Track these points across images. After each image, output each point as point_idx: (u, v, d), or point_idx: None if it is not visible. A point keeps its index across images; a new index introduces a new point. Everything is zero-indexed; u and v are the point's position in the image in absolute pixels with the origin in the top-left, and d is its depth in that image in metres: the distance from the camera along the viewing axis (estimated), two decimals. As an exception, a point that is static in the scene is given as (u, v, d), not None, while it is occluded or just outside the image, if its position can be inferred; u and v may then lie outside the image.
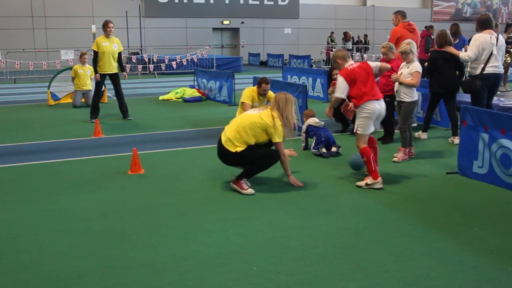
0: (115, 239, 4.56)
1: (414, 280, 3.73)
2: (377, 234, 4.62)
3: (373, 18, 36.77)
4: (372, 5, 36.93)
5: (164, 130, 10.02)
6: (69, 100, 13.87)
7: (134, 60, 24.22)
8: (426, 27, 15.44)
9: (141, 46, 27.61)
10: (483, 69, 7.90)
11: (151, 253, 4.25)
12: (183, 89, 14.92)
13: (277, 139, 5.92)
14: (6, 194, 5.97)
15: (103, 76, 10.82)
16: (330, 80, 9.23)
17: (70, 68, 13.92)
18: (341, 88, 6.12)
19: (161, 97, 14.83)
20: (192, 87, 15.44)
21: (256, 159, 5.89)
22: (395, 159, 7.23)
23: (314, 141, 7.81)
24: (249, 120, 5.92)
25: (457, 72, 8.26)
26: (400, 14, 9.72)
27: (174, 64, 23.10)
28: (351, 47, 29.33)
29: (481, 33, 7.95)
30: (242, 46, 33.78)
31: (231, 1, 32.79)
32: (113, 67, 10.82)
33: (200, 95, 14.53)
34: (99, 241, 4.52)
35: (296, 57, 27.79)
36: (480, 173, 6.26)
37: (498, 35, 8.06)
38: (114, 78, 10.93)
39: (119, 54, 10.95)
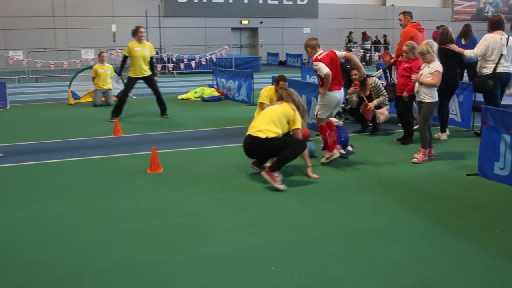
0: (131, 238, 4.58)
1: (431, 282, 3.68)
2: (395, 235, 4.57)
3: (392, 17, 36.44)
4: (392, 5, 36.66)
5: (183, 129, 10.06)
6: (89, 99, 14.00)
7: (153, 60, 24.35)
8: (437, 27, 15.33)
9: (160, 46, 27.74)
10: (494, 68, 8.11)
11: (166, 251, 4.26)
12: (202, 88, 14.96)
13: (298, 125, 6.36)
14: (25, 192, 6.03)
15: (135, 79, 10.98)
16: (349, 81, 9.18)
17: (90, 67, 14.05)
18: (324, 67, 6.76)
19: (180, 97, 14.89)
20: (211, 86, 15.47)
21: (286, 145, 6.17)
22: (414, 160, 7.15)
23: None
24: (275, 112, 6.36)
25: (458, 69, 8.61)
26: (409, 14, 9.81)
27: (193, 63, 23.17)
28: (369, 47, 29.18)
29: (492, 33, 8.18)
30: (261, 46, 33.77)
31: (250, 1, 32.81)
32: (144, 71, 11.01)
33: (219, 94, 14.56)
34: (115, 240, 4.54)
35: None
36: (502, 175, 6.16)
37: (508, 36, 8.22)
38: (148, 79, 11.16)
39: (151, 58, 11.17)
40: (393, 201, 5.52)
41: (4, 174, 6.83)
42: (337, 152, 7.04)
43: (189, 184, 6.25)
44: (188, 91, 15.18)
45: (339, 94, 7.02)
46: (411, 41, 8.42)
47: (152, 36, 28.18)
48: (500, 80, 8.13)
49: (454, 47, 8.37)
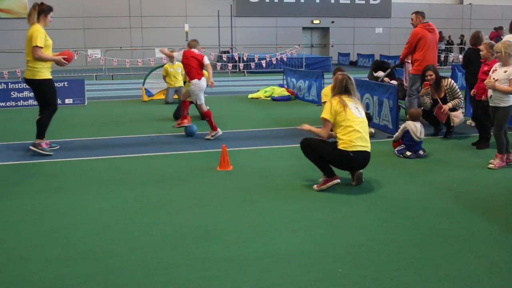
0: (201, 233, 4.65)
1: (508, 294, 3.53)
2: (469, 243, 4.40)
3: (469, 17, 35.26)
4: (469, 4, 35.42)
5: (253, 128, 10.13)
6: (162, 97, 14.38)
7: (224, 59, 24.70)
8: (495, 28, 15.59)
9: (232, 45, 28.08)
10: None
11: (235, 248, 4.30)
12: (272, 88, 15.02)
13: None
14: (101, 184, 6.27)
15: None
16: (422, 81, 8.94)
17: (163, 66, 14.40)
18: (180, 55, 9.18)
19: (250, 95, 15.01)
20: (281, 86, 15.51)
21: None
22: (491, 165, 6.87)
23: (401, 147, 7.54)
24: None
25: None
26: (421, 14, 9.75)
27: (263, 63, 23.30)
28: (444, 48, 28.28)
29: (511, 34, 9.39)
30: (332, 46, 33.51)
31: (322, 0, 32.64)
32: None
33: (289, 94, 14.56)
34: (186, 234, 4.63)
35: (387, 57, 27.18)
36: None
37: None
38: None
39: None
40: (467, 207, 5.32)
41: (82, 167, 7.13)
42: (219, 131, 8.96)
43: (258, 183, 6.28)
44: (258, 90, 15.28)
45: (202, 82, 9.03)
46: (490, 41, 8.12)
47: (223, 36, 28.61)
48: None
49: None
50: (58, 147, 8.23)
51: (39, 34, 7.49)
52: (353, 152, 5.77)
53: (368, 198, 5.68)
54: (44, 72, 7.70)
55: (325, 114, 5.91)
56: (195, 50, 9.24)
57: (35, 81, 7.64)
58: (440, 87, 8.70)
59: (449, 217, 5.03)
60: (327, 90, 8.84)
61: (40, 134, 7.87)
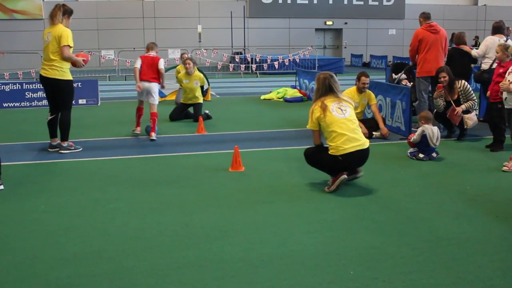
0: (214, 234, 4.67)
1: (522, 298, 3.51)
2: (482, 246, 4.37)
3: (484, 18, 34.97)
4: (484, 5, 35.15)
5: (265, 129, 10.14)
6: (174, 97, 14.40)
7: (237, 60, 24.72)
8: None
9: (244, 46, 28.11)
10: (491, 65, 9.34)
11: (248, 249, 4.31)
12: (284, 89, 15.01)
13: None
14: (114, 184, 6.31)
15: (185, 105, 11.41)
16: (435, 83, 8.90)
17: (175, 67, 14.46)
18: (137, 63, 9.28)
19: (262, 97, 15.02)
20: (294, 87, 15.50)
21: None
22: (505, 168, 6.81)
23: (414, 149, 7.49)
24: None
25: (472, 65, 10.21)
26: (423, 15, 9.61)
27: (276, 64, 23.31)
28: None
29: (492, 36, 9.81)
30: (345, 47, 33.42)
31: (335, 2, 32.57)
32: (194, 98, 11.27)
33: (302, 95, 14.54)
34: (199, 235, 4.65)
35: (400, 58, 27.06)
36: None
37: (507, 38, 9.85)
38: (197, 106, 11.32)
39: (202, 86, 11.61)
40: (480, 210, 5.29)
41: (96, 167, 7.19)
42: (138, 129, 9.35)
43: (270, 184, 6.29)
44: (270, 91, 15.28)
45: (147, 84, 9.18)
46: (504, 43, 8.07)
47: (236, 37, 28.66)
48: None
49: (465, 47, 9.94)
50: (81, 148, 8.25)
51: (70, 34, 7.67)
52: (341, 156, 5.79)
53: (380, 200, 5.66)
54: (69, 73, 7.86)
55: (309, 124, 6.12)
56: (152, 53, 9.42)
57: (62, 81, 7.73)
58: (454, 89, 8.65)
59: (462, 220, 5.01)
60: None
61: (67, 136, 8.02)
